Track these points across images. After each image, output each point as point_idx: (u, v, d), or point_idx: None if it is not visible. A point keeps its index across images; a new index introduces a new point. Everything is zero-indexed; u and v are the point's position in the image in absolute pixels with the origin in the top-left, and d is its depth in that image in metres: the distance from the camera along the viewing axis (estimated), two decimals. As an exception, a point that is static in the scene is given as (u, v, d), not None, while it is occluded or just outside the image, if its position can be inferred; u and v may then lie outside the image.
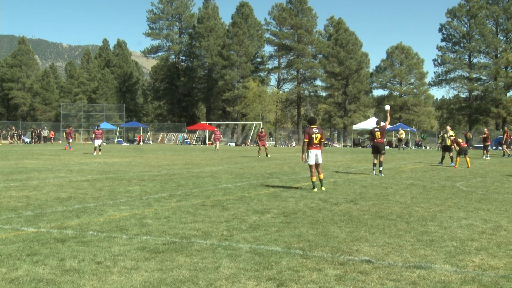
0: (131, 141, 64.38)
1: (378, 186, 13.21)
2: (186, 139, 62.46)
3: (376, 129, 17.00)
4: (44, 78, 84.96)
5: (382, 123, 17.65)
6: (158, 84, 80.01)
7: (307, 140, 11.92)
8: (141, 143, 60.64)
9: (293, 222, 7.82)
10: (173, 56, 79.02)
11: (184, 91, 76.16)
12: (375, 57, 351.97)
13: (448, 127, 24.43)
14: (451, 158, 22.61)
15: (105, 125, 64.07)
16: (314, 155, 11.94)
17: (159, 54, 79.44)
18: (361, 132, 65.11)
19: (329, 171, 17.91)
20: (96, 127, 32.79)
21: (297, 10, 68.22)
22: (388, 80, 67.29)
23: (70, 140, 39.78)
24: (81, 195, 10.92)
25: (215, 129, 41.70)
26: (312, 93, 72.50)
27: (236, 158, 27.11)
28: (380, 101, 68.50)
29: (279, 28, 70.53)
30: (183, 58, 79.29)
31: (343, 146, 59.16)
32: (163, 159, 25.26)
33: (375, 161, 16.91)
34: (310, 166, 12.14)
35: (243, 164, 21.75)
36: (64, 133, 49.62)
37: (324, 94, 71.93)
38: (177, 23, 77.94)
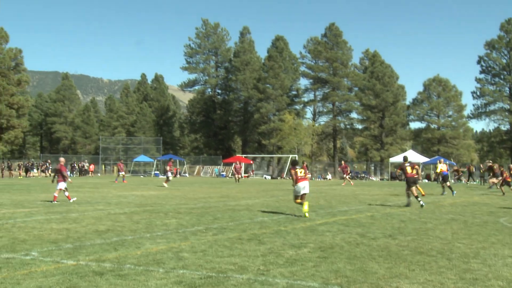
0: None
1: (417, 220, 12.92)
2: (222, 171, 62.74)
3: (406, 164, 17.46)
4: (85, 112, 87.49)
5: (410, 161, 18.45)
6: (194, 117, 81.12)
7: (294, 171, 14.31)
8: (178, 175, 61.22)
9: (330, 257, 7.70)
10: (209, 90, 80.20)
11: (220, 124, 76.92)
12: (412, 90, 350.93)
13: (441, 160, 26.91)
14: (449, 187, 24.46)
15: (142, 158, 65.17)
16: (303, 187, 14.10)
17: (196, 87, 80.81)
18: (398, 165, 64.13)
19: (365, 205, 17.64)
20: (170, 160, 34.63)
21: (332, 44, 68.62)
22: (425, 113, 66.39)
23: (122, 173, 39.90)
24: (119, 227, 11.04)
25: (236, 161, 42.06)
26: (348, 126, 72.18)
27: (272, 191, 27.02)
28: (418, 133, 67.56)
29: (314, 61, 70.93)
30: (219, 91, 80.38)
31: (380, 179, 58.31)
32: (199, 192, 25.39)
33: (415, 193, 17.10)
34: (297, 197, 14.20)
35: (279, 197, 21.66)
36: (116, 167, 50.10)
37: (360, 126, 71.51)
38: (214, 57, 79.40)
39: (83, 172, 59.81)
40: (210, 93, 79.92)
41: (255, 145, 75.17)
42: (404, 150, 66.32)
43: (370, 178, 58.55)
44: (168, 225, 11.55)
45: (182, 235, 9.97)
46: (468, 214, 14.93)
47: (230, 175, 60.35)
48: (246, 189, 29.01)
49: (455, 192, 24.18)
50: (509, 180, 25.30)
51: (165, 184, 31.37)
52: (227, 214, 14.14)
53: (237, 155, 68.12)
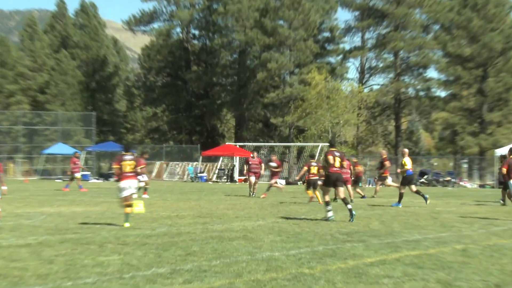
0: (105, 176, 65.07)
1: (544, 258, 12.88)
2: (200, 172, 62.77)
3: (336, 153, 19.77)
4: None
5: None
6: (152, 78, 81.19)
7: (118, 166, 17.36)
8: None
9: (392, 322, 7.69)
10: (178, 30, 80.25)
11: (198, 90, 76.94)
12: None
13: (405, 150, 29.35)
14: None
15: (59, 149, 64.62)
16: (127, 186, 17.29)
17: (155, 25, 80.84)
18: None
19: (452, 231, 17.61)
20: (143, 155, 34.41)
21: None
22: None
23: (77, 175, 40.15)
24: (17, 271, 11.00)
25: (250, 155, 41.63)
26: (421, 93, 72.22)
27: (288, 206, 27.03)
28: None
29: (362, -21, 70.99)
30: (196, 33, 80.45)
31: (479, 185, 58.40)
32: (161, 207, 25.43)
33: (327, 198, 20.01)
34: (122, 198, 17.33)
35: (301, 217, 21.66)
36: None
37: (443, 94, 71.54)
38: (186, -27, 79.31)
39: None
40: (180, 35, 79.93)
41: (258, 126, 75.33)
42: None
43: (461, 183, 58.62)
44: (105, 266, 11.53)
45: (131, 283, 9.94)
46: None
47: (214, 178, 60.25)
48: (242, 203, 29.00)
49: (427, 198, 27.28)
50: None
51: (145, 195, 32.07)
52: (210, 245, 14.14)
53: (227, 143, 68.16)
